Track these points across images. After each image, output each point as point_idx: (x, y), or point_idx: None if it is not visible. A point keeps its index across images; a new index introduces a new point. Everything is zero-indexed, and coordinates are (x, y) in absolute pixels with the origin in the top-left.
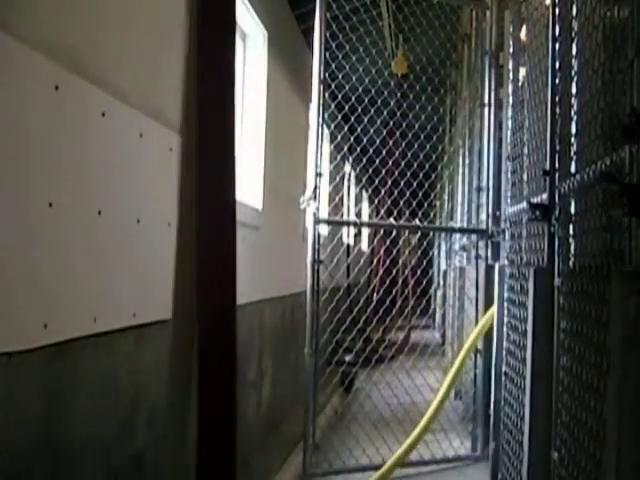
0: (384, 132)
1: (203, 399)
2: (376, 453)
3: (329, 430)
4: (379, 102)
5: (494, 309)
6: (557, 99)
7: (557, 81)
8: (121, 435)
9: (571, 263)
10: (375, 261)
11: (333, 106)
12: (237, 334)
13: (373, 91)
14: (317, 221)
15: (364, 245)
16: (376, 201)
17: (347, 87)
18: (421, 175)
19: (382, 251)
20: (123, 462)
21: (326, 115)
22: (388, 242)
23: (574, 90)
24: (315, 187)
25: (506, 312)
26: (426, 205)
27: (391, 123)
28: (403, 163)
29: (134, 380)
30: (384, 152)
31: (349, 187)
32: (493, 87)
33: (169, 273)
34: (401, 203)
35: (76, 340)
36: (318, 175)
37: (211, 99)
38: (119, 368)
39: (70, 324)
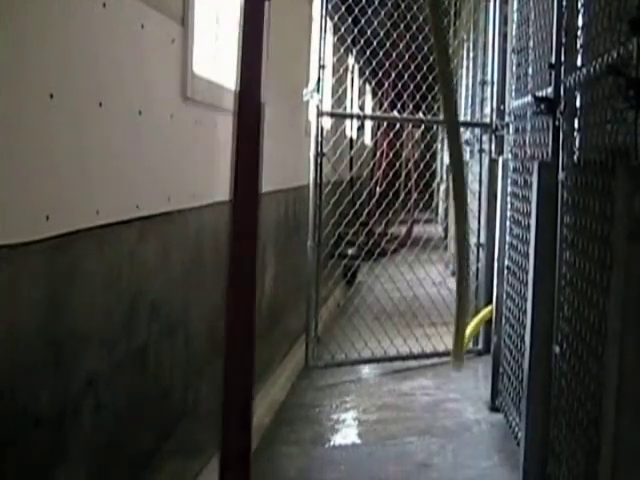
0: (388, 24)
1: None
2: (378, 346)
3: (331, 323)
4: None
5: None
6: None
7: None
8: (123, 329)
9: (575, 157)
10: (378, 154)
11: None
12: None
13: None
14: (320, 114)
15: (367, 139)
16: (379, 94)
17: None
18: (425, 68)
19: (385, 144)
20: (125, 356)
21: (330, 6)
22: (391, 135)
23: None
24: (318, 79)
25: (509, 206)
26: (430, 98)
27: (395, 15)
28: (407, 55)
29: (136, 274)
30: (388, 44)
31: (352, 80)
32: None
33: (172, 164)
34: (405, 96)
35: (78, 232)
36: (321, 67)
37: None
38: (122, 261)
39: (72, 216)
